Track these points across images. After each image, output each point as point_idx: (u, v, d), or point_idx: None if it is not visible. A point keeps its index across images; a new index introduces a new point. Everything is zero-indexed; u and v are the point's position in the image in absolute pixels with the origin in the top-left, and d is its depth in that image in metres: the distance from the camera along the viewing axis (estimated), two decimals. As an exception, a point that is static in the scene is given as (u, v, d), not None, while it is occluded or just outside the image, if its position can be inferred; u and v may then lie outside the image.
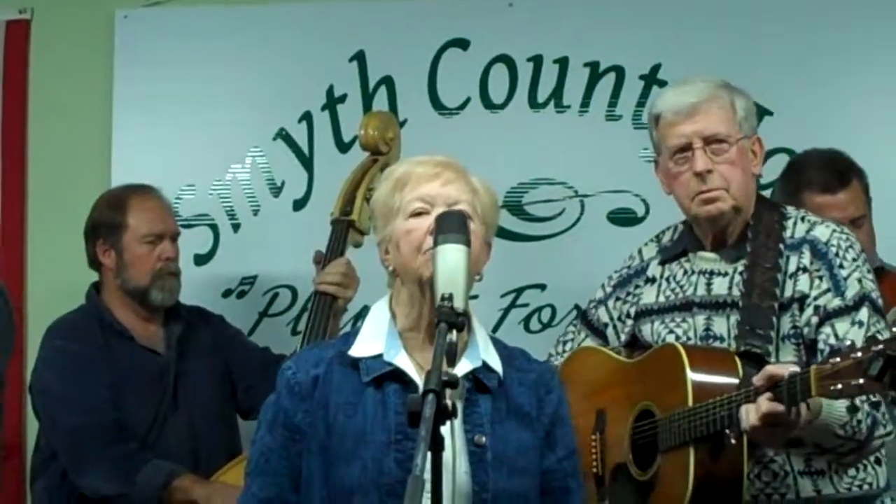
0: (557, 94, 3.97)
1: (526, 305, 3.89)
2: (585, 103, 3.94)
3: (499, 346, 2.43)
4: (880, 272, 3.36)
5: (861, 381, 2.24)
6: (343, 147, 4.01)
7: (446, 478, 2.10)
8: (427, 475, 1.94)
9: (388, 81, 4.01)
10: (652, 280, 2.93)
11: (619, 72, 3.93)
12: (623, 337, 2.97)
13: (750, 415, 2.42)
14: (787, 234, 2.77)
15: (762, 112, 3.83)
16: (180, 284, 3.57)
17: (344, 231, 3.42)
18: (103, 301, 3.54)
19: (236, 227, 4.06)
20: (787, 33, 3.89)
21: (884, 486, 2.79)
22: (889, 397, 2.52)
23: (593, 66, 3.95)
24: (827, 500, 2.71)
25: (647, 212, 3.85)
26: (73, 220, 3.65)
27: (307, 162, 4.04)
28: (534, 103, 3.98)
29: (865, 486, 2.75)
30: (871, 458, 2.74)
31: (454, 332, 2.09)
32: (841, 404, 2.45)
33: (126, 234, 3.51)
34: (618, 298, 2.99)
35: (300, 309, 3.96)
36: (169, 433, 3.45)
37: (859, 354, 2.26)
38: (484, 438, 2.30)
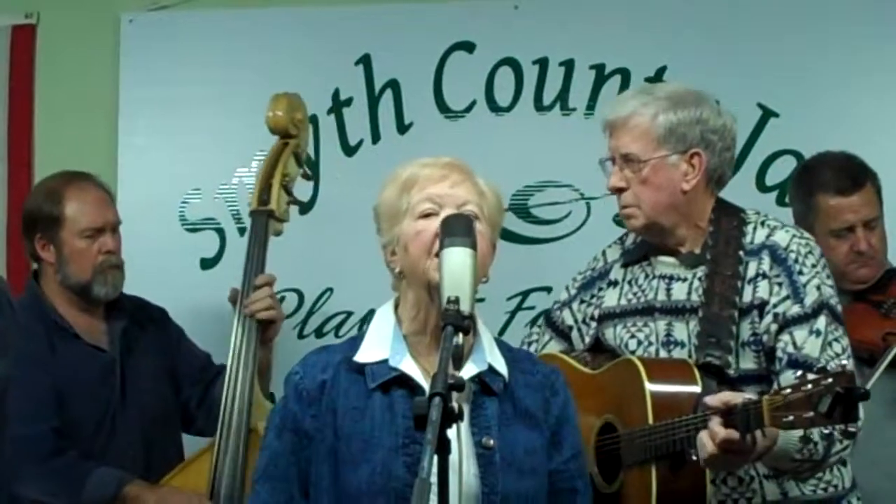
0: (563, 96, 3.96)
1: (532, 308, 3.88)
2: (591, 106, 3.93)
3: (503, 348, 2.43)
4: (892, 274, 3.36)
5: (811, 414, 2.23)
6: (349, 150, 4.01)
7: (453, 480, 2.11)
8: (434, 478, 1.94)
9: (393, 84, 4.01)
10: (614, 283, 2.92)
11: (625, 74, 3.92)
12: (587, 340, 2.96)
13: (707, 444, 2.41)
14: (747, 239, 2.76)
15: (768, 114, 3.85)
16: (124, 276, 3.43)
17: (265, 222, 3.31)
18: (45, 295, 3.39)
19: (242, 231, 4.04)
20: (792, 35, 3.88)
21: (849, 486, 2.79)
22: (840, 430, 2.50)
23: (599, 68, 3.94)
24: (793, 502, 2.71)
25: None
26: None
27: (313, 165, 4.03)
28: (539, 106, 3.97)
29: (831, 489, 2.75)
30: None
31: (460, 335, 2.09)
32: (796, 432, 2.44)
33: (64, 229, 3.36)
34: (582, 301, 2.99)
35: (307, 313, 3.97)
36: (119, 433, 3.31)
37: (810, 387, 2.25)
38: (492, 441, 2.30)
